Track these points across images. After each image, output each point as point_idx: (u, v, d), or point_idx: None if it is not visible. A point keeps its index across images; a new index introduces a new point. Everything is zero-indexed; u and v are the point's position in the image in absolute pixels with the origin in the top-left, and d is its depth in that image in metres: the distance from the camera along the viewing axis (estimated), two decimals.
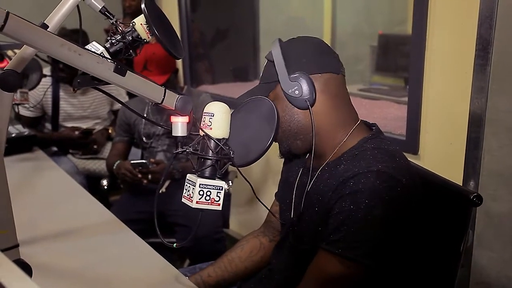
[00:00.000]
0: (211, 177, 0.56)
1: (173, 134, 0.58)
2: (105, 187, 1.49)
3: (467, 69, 1.03)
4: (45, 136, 1.62)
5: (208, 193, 0.55)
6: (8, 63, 1.21)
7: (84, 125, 1.66)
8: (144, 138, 1.42)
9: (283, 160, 0.82)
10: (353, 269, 0.60)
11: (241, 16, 2.01)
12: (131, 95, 1.58)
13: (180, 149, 0.57)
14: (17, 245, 0.48)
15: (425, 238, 0.73)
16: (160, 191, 1.30)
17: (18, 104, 1.27)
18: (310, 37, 0.71)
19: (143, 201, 1.33)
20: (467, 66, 1.03)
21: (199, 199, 0.55)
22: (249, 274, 0.84)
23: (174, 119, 0.58)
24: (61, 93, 1.61)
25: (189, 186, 0.57)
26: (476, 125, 1.03)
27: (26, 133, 1.43)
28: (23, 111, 1.52)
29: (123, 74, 0.54)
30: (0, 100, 0.68)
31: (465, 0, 1.03)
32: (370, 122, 0.74)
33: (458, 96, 1.07)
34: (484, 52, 0.98)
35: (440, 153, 1.15)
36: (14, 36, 0.45)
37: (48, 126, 1.67)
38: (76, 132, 1.58)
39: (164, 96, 0.56)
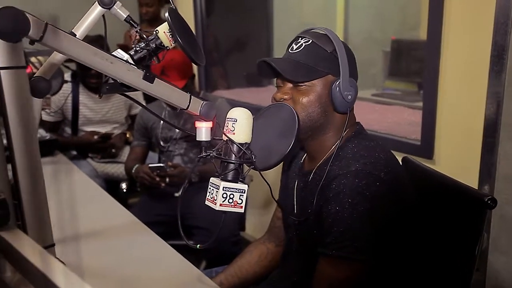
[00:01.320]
0: (234, 180, 0.58)
1: (197, 139, 0.60)
2: (124, 190, 1.53)
3: (482, 75, 1.03)
4: (65, 140, 1.67)
5: (231, 196, 0.57)
6: (31, 69, 1.32)
7: (103, 129, 1.71)
8: (161, 142, 1.44)
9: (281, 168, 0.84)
10: (351, 268, 0.63)
11: (255, 22, 2.07)
12: (148, 101, 1.63)
13: (204, 153, 0.60)
14: (53, 245, 0.50)
15: (440, 241, 0.74)
16: (177, 194, 1.33)
17: (42, 109, 1.34)
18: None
19: (161, 204, 1.35)
20: (482, 71, 1.03)
21: (223, 201, 0.57)
22: (259, 278, 0.87)
23: (198, 124, 0.60)
24: (81, 99, 1.66)
25: (213, 189, 0.58)
26: (491, 130, 1.03)
27: (48, 137, 1.48)
28: (44, 116, 1.58)
29: (152, 81, 0.56)
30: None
31: (480, 6, 1.05)
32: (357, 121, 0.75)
33: (474, 101, 1.08)
34: (499, 58, 0.99)
35: (455, 158, 1.16)
36: (52, 45, 0.47)
37: (68, 130, 1.72)
38: (95, 137, 1.64)
39: (189, 102, 0.59)
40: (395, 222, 0.65)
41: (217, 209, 0.57)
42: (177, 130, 1.41)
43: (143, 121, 1.49)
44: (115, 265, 0.76)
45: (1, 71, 0.42)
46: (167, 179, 1.29)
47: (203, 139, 0.60)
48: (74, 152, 1.70)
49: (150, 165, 1.33)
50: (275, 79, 0.73)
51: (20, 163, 0.45)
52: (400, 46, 1.84)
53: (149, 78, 0.57)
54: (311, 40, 0.69)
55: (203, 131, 0.60)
